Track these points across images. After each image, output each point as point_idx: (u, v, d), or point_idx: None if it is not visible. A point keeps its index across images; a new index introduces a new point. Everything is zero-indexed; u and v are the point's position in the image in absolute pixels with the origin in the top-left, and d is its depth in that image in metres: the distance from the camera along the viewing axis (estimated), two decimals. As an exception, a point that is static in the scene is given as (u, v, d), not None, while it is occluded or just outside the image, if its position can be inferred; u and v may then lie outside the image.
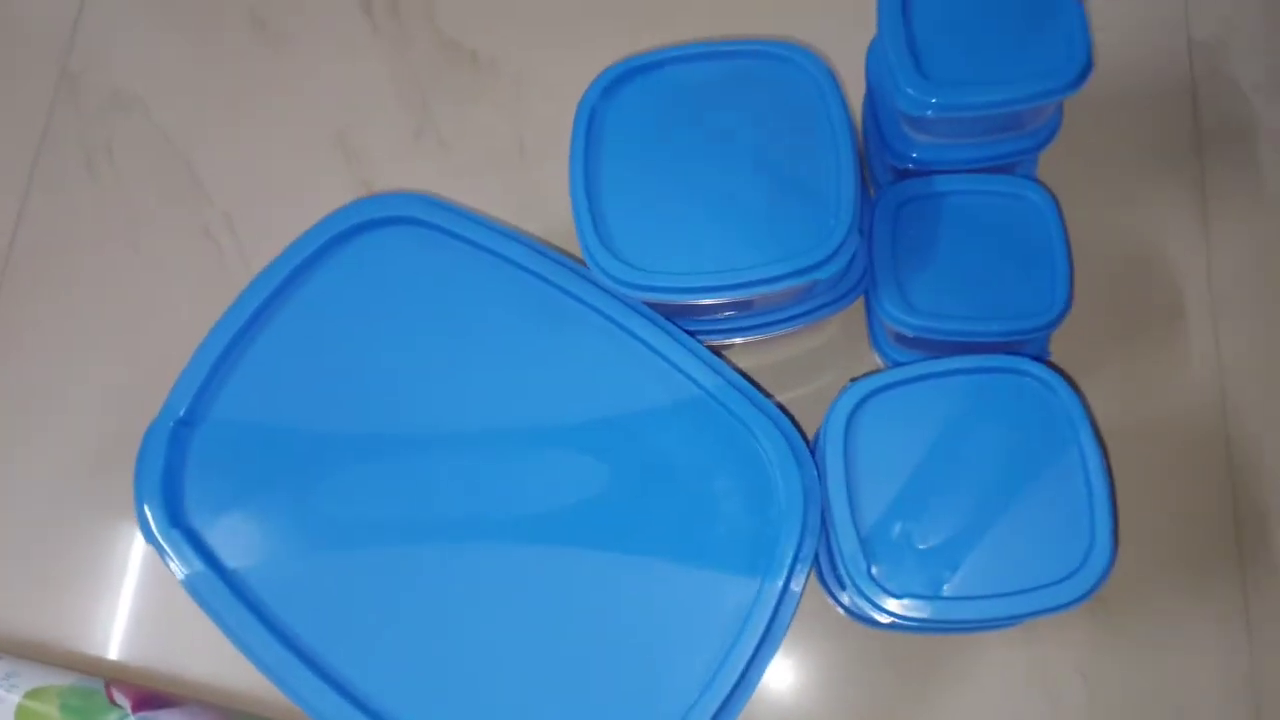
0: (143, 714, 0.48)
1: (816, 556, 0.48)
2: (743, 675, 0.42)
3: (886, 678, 0.49)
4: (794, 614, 0.43)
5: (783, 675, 0.50)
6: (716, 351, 0.48)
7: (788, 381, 0.52)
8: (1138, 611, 0.49)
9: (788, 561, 0.43)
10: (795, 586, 0.43)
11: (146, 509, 0.46)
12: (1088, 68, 0.43)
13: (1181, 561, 0.50)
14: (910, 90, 0.43)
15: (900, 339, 0.49)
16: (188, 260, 0.59)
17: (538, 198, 0.58)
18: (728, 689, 0.42)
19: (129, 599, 0.54)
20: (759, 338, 0.50)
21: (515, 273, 0.49)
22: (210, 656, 0.52)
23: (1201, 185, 0.54)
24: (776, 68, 0.47)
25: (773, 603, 0.42)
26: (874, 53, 0.49)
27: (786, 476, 0.44)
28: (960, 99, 0.43)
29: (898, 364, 0.47)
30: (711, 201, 0.46)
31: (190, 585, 0.45)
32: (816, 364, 0.54)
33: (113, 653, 0.53)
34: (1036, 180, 0.48)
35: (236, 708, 0.51)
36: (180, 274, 0.59)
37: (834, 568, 0.44)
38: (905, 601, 0.41)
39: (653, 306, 0.47)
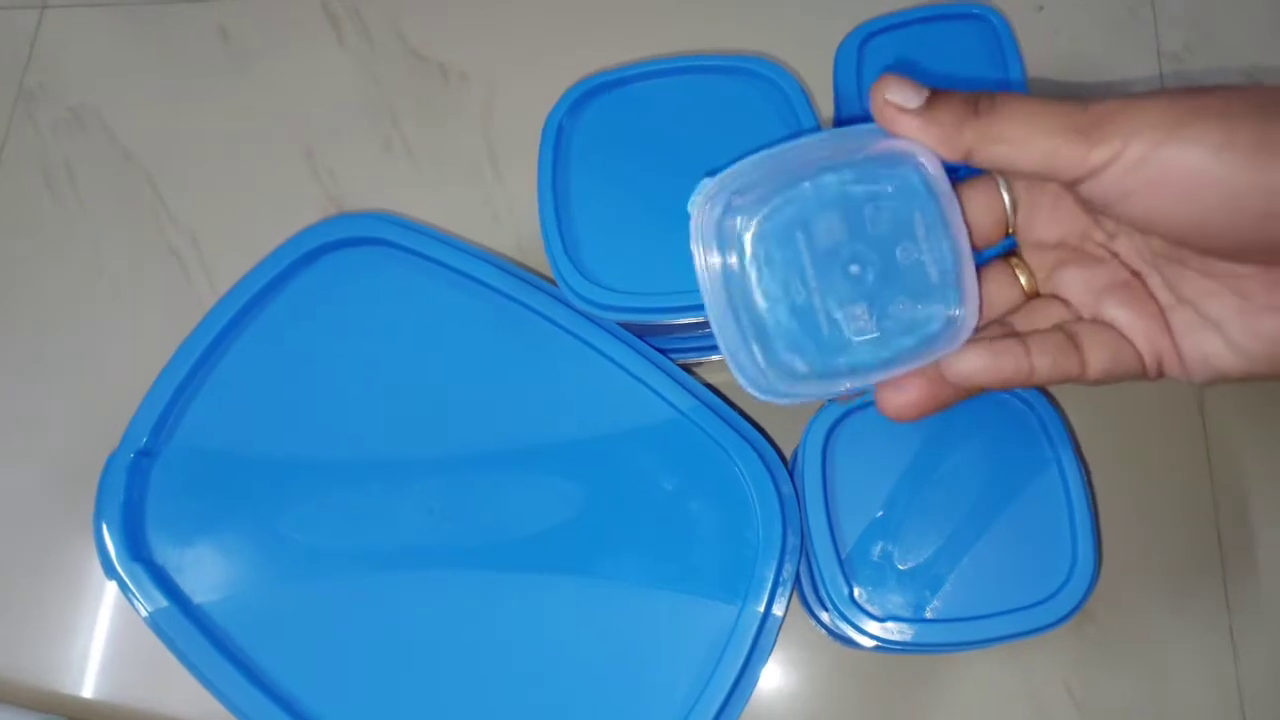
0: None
1: (798, 577, 0.48)
2: (725, 702, 0.41)
3: (871, 697, 0.49)
4: (776, 638, 0.42)
5: (766, 696, 0.49)
6: (690, 370, 0.48)
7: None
8: (1123, 625, 0.49)
9: (767, 584, 0.42)
10: (777, 610, 0.42)
11: (108, 543, 0.45)
12: None
13: (1165, 574, 0.49)
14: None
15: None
16: (152, 281, 0.58)
17: (508, 211, 0.57)
18: (713, 713, 0.41)
19: (94, 633, 0.52)
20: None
21: (485, 293, 0.48)
22: (178, 693, 0.51)
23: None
24: (746, 83, 0.47)
25: (754, 627, 0.42)
26: (839, 73, 0.48)
27: (763, 497, 0.43)
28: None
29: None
30: (682, 219, 0.45)
31: (154, 621, 0.44)
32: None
33: (76, 689, 0.52)
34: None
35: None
36: (145, 295, 0.58)
37: (815, 589, 0.43)
38: (887, 625, 0.40)
39: (625, 326, 0.47)
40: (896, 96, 0.30)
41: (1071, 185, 0.29)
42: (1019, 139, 0.29)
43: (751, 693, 0.42)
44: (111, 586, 0.53)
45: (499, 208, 0.57)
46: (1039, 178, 0.30)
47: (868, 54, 0.46)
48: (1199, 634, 0.48)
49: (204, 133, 0.61)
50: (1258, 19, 0.57)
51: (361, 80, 0.61)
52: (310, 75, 0.61)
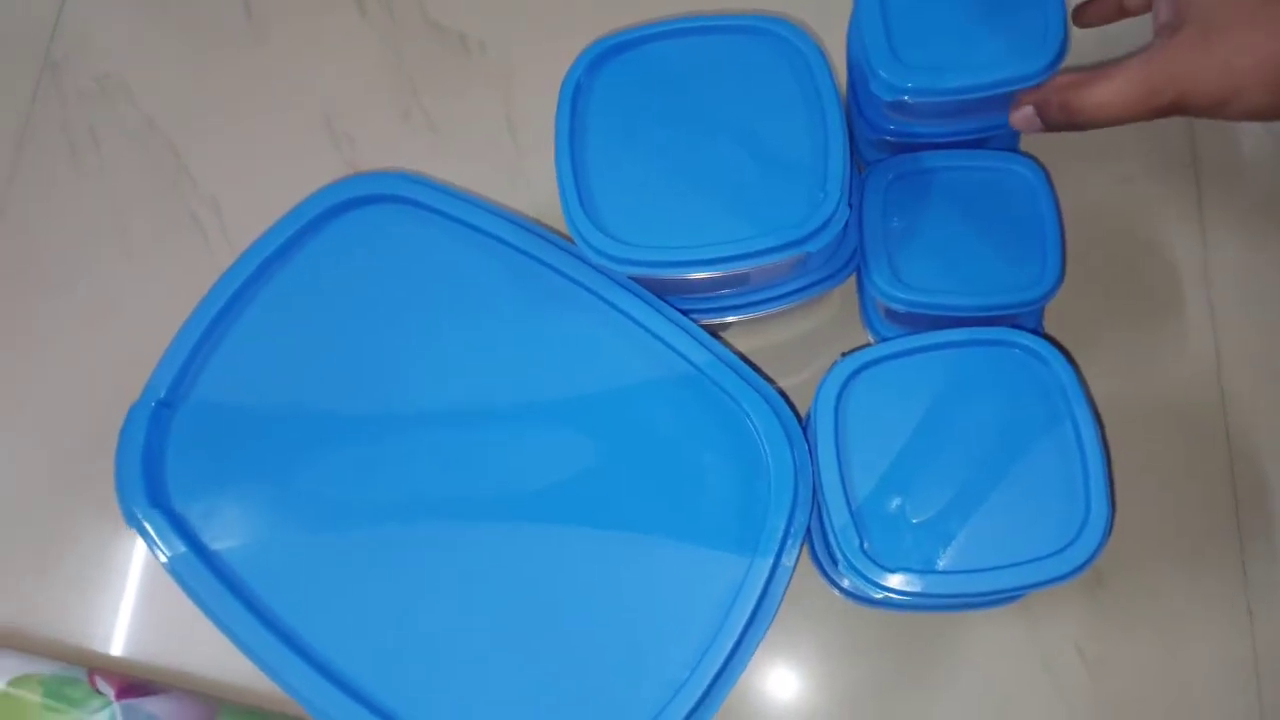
0: (126, 701, 0.47)
1: (809, 535, 0.48)
2: (734, 651, 0.41)
3: (882, 658, 0.49)
4: (785, 590, 0.43)
5: (777, 655, 0.49)
6: (712, 331, 0.48)
7: (782, 365, 0.52)
8: (1136, 590, 0.48)
9: (778, 536, 0.42)
10: (786, 561, 0.42)
11: (127, 490, 0.45)
12: (1062, 52, 0.43)
13: (1180, 540, 0.49)
14: (884, 74, 0.43)
15: (892, 315, 0.48)
16: (174, 246, 0.59)
17: (526, 179, 0.57)
18: (719, 665, 0.41)
19: (115, 587, 0.53)
20: (752, 316, 0.50)
21: (502, 250, 0.48)
22: (196, 645, 0.51)
23: (1194, 165, 0.54)
24: (763, 42, 0.47)
25: (763, 578, 0.42)
26: (853, 32, 0.48)
27: (776, 451, 0.43)
28: (933, 84, 0.43)
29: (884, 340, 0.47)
30: (699, 176, 0.45)
31: (172, 567, 0.45)
32: (811, 347, 0.53)
33: (97, 642, 0.52)
34: (1027, 154, 0.47)
35: (223, 695, 0.50)
36: (166, 259, 0.58)
37: (826, 545, 0.43)
38: (899, 576, 0.40)
39: (643, 283, 0.47)
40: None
41: None
42: None
43: (760, 641, 0.42)
44: (132, 542, 0.53)
45: (517, 176, 0.57)
46: None
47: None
48: (1214, 599, 0.48)
49: (226, 102, 0.62)
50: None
51: (382, 50, 0.61)
52: (331, 45, 0.62)
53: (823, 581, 0.48)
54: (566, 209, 0.45)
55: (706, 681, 0.41)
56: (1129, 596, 0.48)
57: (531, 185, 0.57)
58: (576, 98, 0.46)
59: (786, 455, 0.43)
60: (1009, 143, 0.51)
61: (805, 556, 0.49)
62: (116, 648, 0.52)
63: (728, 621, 0.42)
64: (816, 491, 0.43)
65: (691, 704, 0.41)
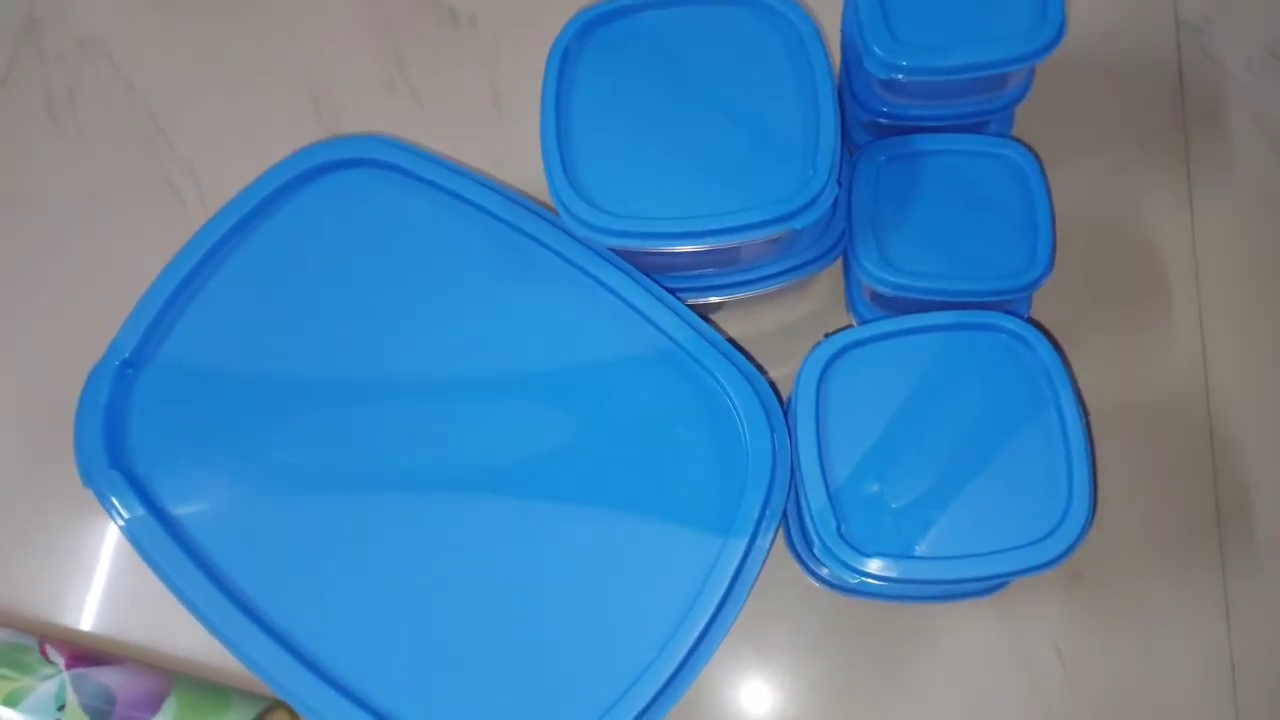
0: (76, 670, 0.46)
1: (786, 522, 0.47)
2: (704, 633, 0.40)
3: (857, 649, 0.48)
4: (759, 573, 0.42)
5: (749, 643, 0.48)
6: (701, 314, 0.47)
7: (767, 355, 0.50)
8: (1115, 589, 0.48)
9: (754, 517, 0.41)
10: (761, 543, 0.41)
11: (86, 450, 0.44)
12: (1059, 33, 0.42)
13: (1161, 541, 0.48)
14: (879, 51, 0.42)
15: (878, 299, 0.47)
16: (149, 212, 0.58)
17: (512, 156, 0.56)
18: (688, 646, 0.40)
19: (83, 560, 0.52)
20: (738, 296, 0.49)
21: (483, 218, 0.47)
22: (161, 620, 0.50)
23: (1186, 159, 0.54)
24: (757, 16, 0.46)
25: (737, 559, 0.41)
26: (848, 9, 0.48)
27: (755, 430, 0.42)
28: (929, 62, 0.42)
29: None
30: (688, 148, 0.44)
31: (129, 531, 0.43)
32: (797, 338, 0.52)
33: (60, 614, 0.51)
34: (1018, 140, 0.47)
35: (176, 669, 0.48)
36: (140, 224, 0.57)
37: (803, 529, 0.43)
38: (875, 561, 0.39)
39: (627, 257, 0.46)
40: None
41: None
42: None
43: (731, 624, 0.41)
44: (91, 511, 0.52)
45: (503, 153, 0.56)
46: None
47: None
48: (1192, 601, 0.47)
49: (209, 69, 0.60)
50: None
51: (369, 20, 0.60)
52: (317, 14, 0.61)
53: (799, 570, 0.47)
54: (550, 176, 0.44)
55: (675, 662, 0.40)
56: (1107, 594, 0.48)
57: (517, 162, 0.56)
58: (564, 64, 0.46)
59: (765, 434, 0.42)
60: (1003, 128, 0.50)
61: (781, 545, 0.48)
62: (80, 620, 0.51)
63: (699, 602, 0.41)
64: (795, 474, 0.42)
65: (659, 684, 0.40)
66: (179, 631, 0.49)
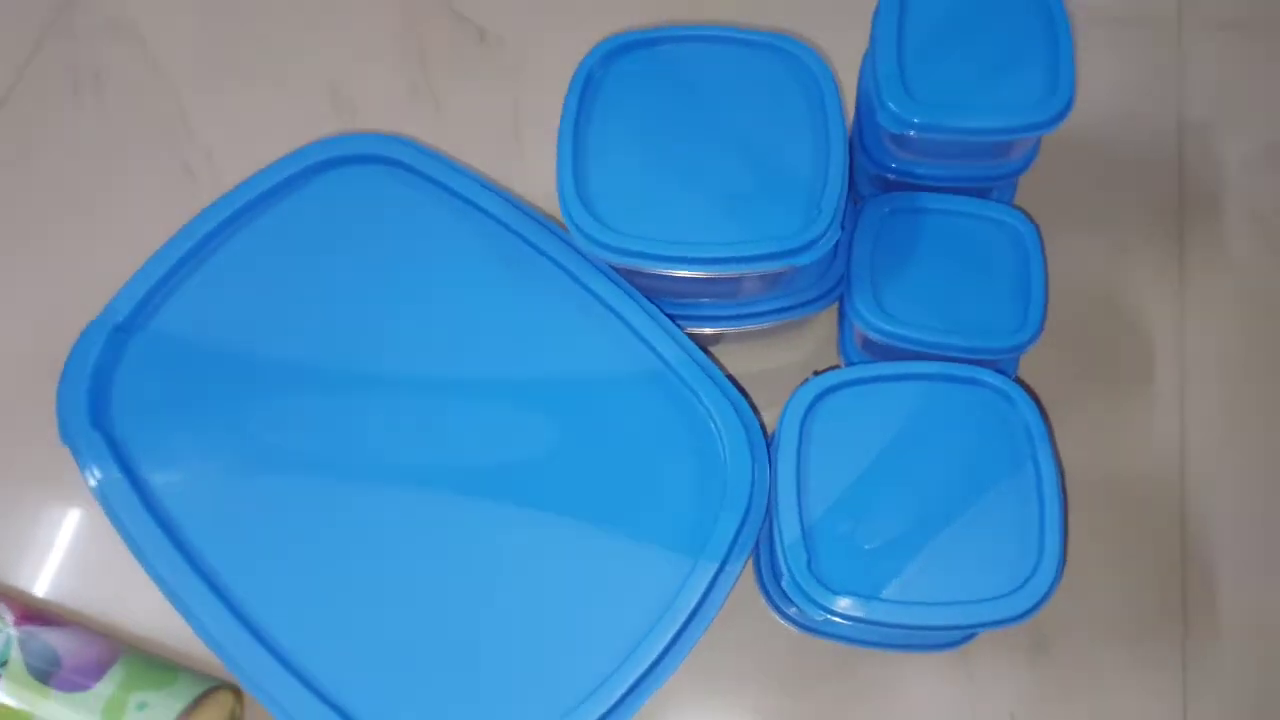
0: (25, 628, 0.45)
1: (757, 555, 0.47)
2: (665, 652, 0.40)
3: (816, 691, 0.47)
4: (725, 598, 0.42)
5: (709, 672, 0.47)
6: (697, 342, 0.47)
7: (758, 394, 0.50)
8: (1077, 661, 0.48)
9: (726, 542, 0.41)
10: (731, 569, 0.41)
11: (68, 407, 0.44)
12: (1067, 107, 0.43)
13: (1125, 616, 0.48)
14: (893, 106, 0.44)
15: (869, 346, 0.48)
16: (161, 191, 0.58)
17: (524, 173, 0.57)
18: (647, 664, 0.40)
19: (32, 520, 0.51)
20: (735, 329, 0.49)
21: (488, 224, 0.48)
22: (108, 591, 0.50)
23: (1180, 247, 0.55)
24: (778, 60, 0.47)
25: (705, 582, 0.41)
26: (866, 65, 0.49)
27: (737, 457, 0.43)
28: (940, 121, 0.44)
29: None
30: (698, 178, 0.45)
31: (101, 492, 0.43)
32: (787, 381, 0.52)
33: (3, 572, 0.50)
34: (1021, 209, 0.48)
35: (126, 639, 0.48)
36: (151, 204, 0.58)
37: (774, 562, 0.43)
38: (843, 599, 0.39)
39: (629, 277, 0.47)
40: None
41: None
42: None
43: (693, 645, 0.41)
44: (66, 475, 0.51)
45: (515, 169, 0.57)
46: None
47: (909, 11, 0.45)
48: (1151, 680, 0.47)
49: (236, 55, 0.62)
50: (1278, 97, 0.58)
51: (399, 26, 0.62)
52: (348, 17, 0.62)
53: (765, 606, 0.47)
54: (561, 189, 0.45)
55: (631, 679, 0.40)
56: (1070, 667, 0.48)
57: (528, 179, 0.57)
58: (588, 85, 0.47)
59: (746, 462, 0.43)
60: (1005, 196, 0.51)
61: (751, 581, 0.48)
62: (34, 584, 0.50)
63: (662, 621, 0.40)
64: (771, 506, 0.42)
65: (612, 701, 0.40)
66: (134, 609, 0.49)
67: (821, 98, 0.46)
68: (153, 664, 0.46)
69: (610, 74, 0.47)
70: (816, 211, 0.43)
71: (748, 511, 0.42)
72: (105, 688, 0.44)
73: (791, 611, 0.46)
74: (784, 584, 0.41)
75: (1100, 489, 0.50)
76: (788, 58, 0.47)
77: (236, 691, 0.47)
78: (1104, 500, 0.50)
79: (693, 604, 0.41)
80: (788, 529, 0.41)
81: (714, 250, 0.43)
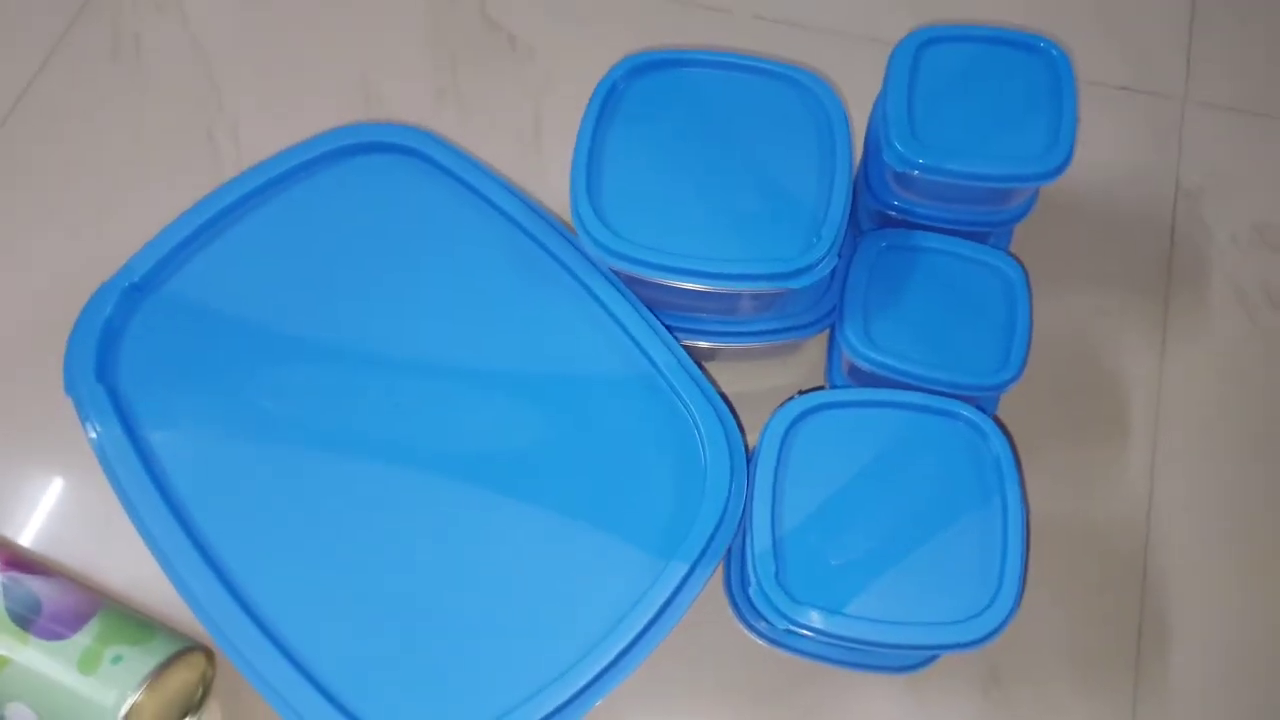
0: (11, 573, 0.46)
1: (728, 565, 0.48)
2: (626, 650, 0.41)
3: (770, 707, 0.48)
4: (691, 602, 0.43)
5: (668, 678, 0.49)
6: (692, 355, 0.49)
7: (744, 414, 0.52)
8: (1029, 698, 0.49)
9: (699, 547, 0.43)
10: (700, 573, 0.43)
11: (76, 359, 0.46)
12: (1065, 162, 0.46)
13: (1079, 658, 0.50)
14: (899, 145, 0.46)
15: (855, 374, 0.49)
16: (185, 162, 0.60)
17: (540, 179, 0.58)
18: (608, 660, 0.41)
19: (28, 470, 0.52)
20: (727, 345, 0.51)
21: (500, 221, 0.50)
22: (93, 547, 0.51)
23: (1165, 312, 0.56)
24: (795, 92, 0.49)
25: (673, 585, 0.42)
26: (878, 107, 0.51)
27: (717, 465, 0.44)
28: (944, 164, 0.46)
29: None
30: (706, 195, 0.47)
31: (100, 445, 0.44)
32: (777, 400, 0.53)
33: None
34: (1013, 256, 0.50)
35: (107, 594, 0.49)
36: (174, 174, 0.59)
37: (743, 571, 0.44)
38: (807, 610, 0.40)
39: (630, 284, 0.48)
40: None
41: None
42: None
43: (655, 645, 0.42)
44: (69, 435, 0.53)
45: (532, 174, 0.59)
46: None
47: (923, 61, 0.48)
48: (1102, 715, 0.48)
49: (273, 37, 0.64)
50: (1273, 181, 0.60)
51: (432, 28, 0.64)
52: (384, 16, 0.64)
53: (732, 616, 0.49)
54: (574, 191, 0.46)
55: (591, 674, 0.41)
56: (1020, 703, 0.49)
57: (544, 186, 0.58)
58: (609, 97, 0.48)
59: (725, 470, 0.44)
60: (1000, 243, 0.53)
61: (721, 594, 0.49)
62: (21, 534, 0.51)
63: (627, 619, 0.42)
64: (745, 516, 0.43)
65: (570, 693, 0.41)
66: (119, 565, 0.50)
67: (832, 131, 0.48)
68: (131, 620, 0.47)
69: (632, 88, 0.49)
70: (816, 238, 0.45)
71: (722, 518, 0.43)
72: (83, 639, 0.45)
73: (761, 626, 0.47)
74: (751, 592, 0.42)
75: (1065, 530, 0.51)
76: (803, 90, 0.49)
77: (209, 654, 0.48)
78: (1067, 541, 0.51)
79: (659, 604, 0.42)
80: (759, 539, 0.42)
81: (714, 265, 0.45)
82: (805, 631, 0.41)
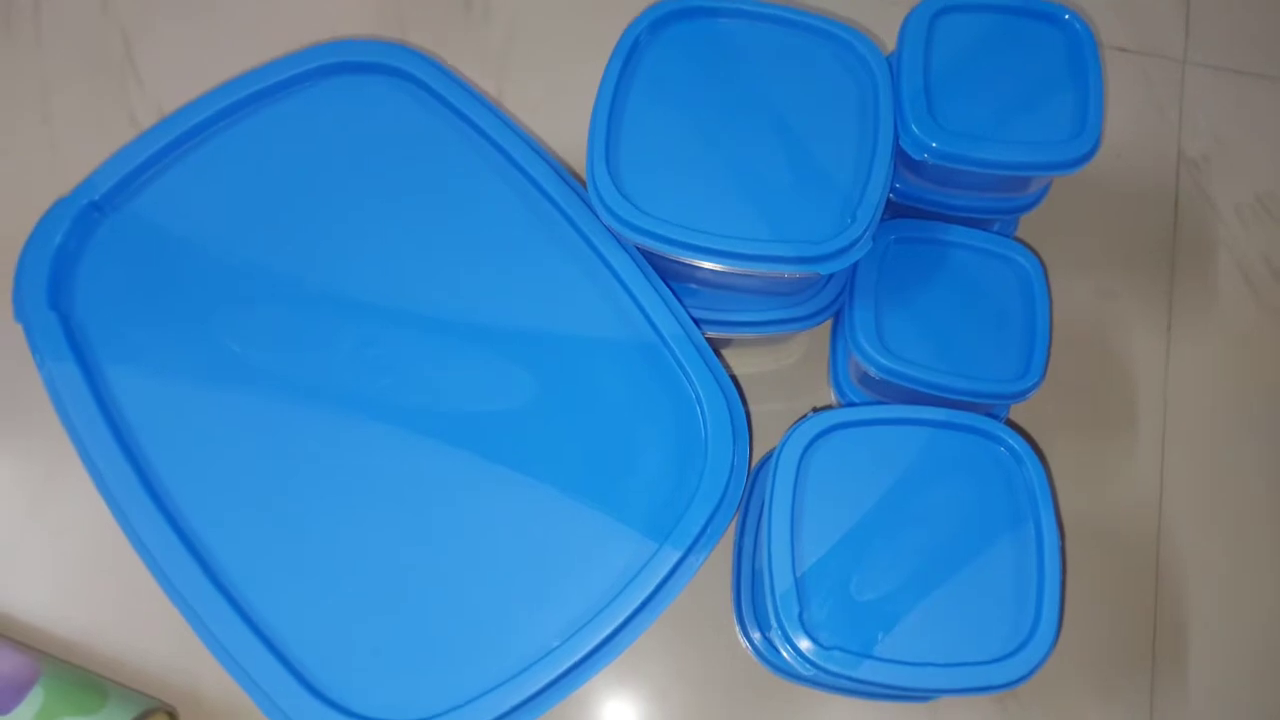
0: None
1: (738, 585, 0.46)
2: (614, 634, 0.39)
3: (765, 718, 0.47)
4: (682, 589, 0.40)
5: (662, 682, 0.47)
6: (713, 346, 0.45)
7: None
8: (1045, 709, 0.47)
9: (694, 532, 0.40)
10: (693, 559, 0.40)
11: (26, 284, 0.41)
12: (1094, 149, 0.43)
13: (1095, 664, 0.48)
14: (916, 130, 0.43)
15: (864, 380, 0.47)
16: (104, 143, 0.49)
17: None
18: (595, 642, 0.38)
19: None
20: (725, 334, 0.48)
21: (502, 163, 0.46)
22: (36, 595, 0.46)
23: (1170, 291, 0.55)
24: (835, 49, 0.45)
25: (666, 569, 0.39)
26: (908, 32, 0.47)
27: (718, 443, 0.41)
28: (963, 151, 0.43)
29: (853, 405, 0.45)
30: (733, 165, 0.43)
31: (51, 378, 0.40)
32: (771, 389, 0.51)
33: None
34: (1026, 244, 0.47)
35: (48, 647, 0.45)
36: (92, 156, 0.48)
37: (756, 604, 0.41)
38: (834, 654, 0.37)
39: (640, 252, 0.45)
40: None
41: None
42: None
43: (643, 630, 0.39)
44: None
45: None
46: None
47: (938, 29, 0.45)
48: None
49: (196, 6, 0.56)
50: (1276, 147, 0.59)
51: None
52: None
53: (738, 637, 0.46)
54: (590, 157, 0.42)
55: (576, 656, 0.38)
56: (1037, 711, 0.47)
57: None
58: (632, 53, 0.44)
59: (727, 450, 0.41)
60: (1005, 229, 0.50)
61: (729, 602, 0.47)
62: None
63: (616, 602, 0.39)
64: (762, 549, 0.40)
65: (553, 675, 0.38)
66: (59, 607, 0.46)
67: (876, 95, 0.44)
68: (78, 683, 0.42)
69: (656, 41, 0.45)
70: (851, 219, 0.42)
71: (720, 503, 0.40)
72: (23, 714, 0.40)
73: (779, 662, 0.44)
74: (772, 635, 0.39)
75: (1076, 529, 0.49)
76: (845, 48, 0.45)
77: (171, 714, 0.44)
78: (1079, 541, 0.49)
79: (650, 588, 0.39)
80: (780, 579, 0.39)
81: (737, 245, 0.41)
82: (832, 675, 0.38)
